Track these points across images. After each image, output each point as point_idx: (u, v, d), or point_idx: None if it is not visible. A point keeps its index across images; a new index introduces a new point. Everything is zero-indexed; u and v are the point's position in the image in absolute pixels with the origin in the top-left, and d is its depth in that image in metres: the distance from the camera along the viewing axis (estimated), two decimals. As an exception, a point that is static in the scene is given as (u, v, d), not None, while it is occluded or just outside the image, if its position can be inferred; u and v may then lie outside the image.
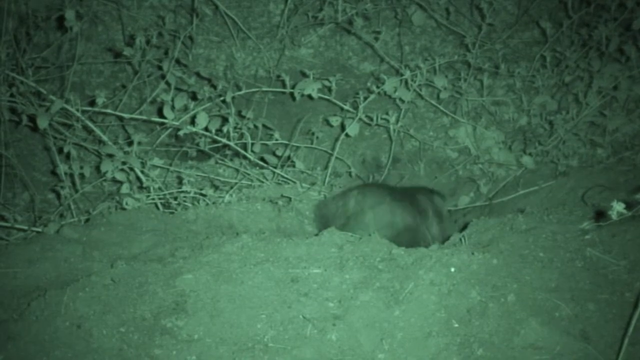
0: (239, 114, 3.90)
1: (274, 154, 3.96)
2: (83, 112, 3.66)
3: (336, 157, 3.99)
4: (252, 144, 3.84)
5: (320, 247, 2.87)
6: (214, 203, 3.64)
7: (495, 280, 2.54)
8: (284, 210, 3.70)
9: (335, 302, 2.52)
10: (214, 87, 3.85)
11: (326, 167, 4.07)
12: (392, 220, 3.45)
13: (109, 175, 3.55)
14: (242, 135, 3.86)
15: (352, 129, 3.84)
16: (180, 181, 3.86)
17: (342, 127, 3.94)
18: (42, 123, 3.44)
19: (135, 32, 4.25)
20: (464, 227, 3.27)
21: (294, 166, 4.00)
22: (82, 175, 3.67)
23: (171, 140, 4.28)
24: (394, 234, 3.36)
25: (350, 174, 4.22)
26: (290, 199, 3.75)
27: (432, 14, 4.59)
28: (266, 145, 3.92)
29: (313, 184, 3.95)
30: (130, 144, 3.67)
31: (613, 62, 4.02)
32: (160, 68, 3.84)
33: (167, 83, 3.73)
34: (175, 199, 3.71)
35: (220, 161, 4.11)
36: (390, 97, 4.01)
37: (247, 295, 2.56)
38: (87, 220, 3.56)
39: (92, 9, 4.52)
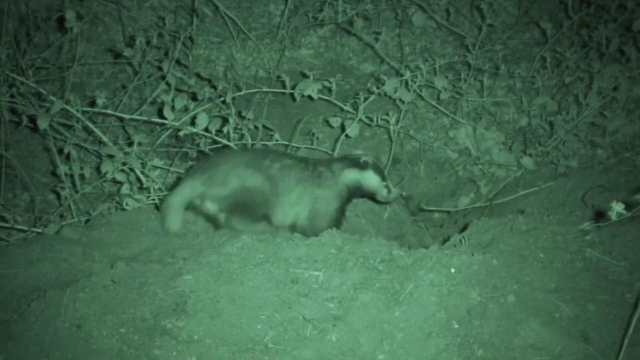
0: (240, 114, 3.90)
1: (274, 154, 3.95)
2: (83, 113, 3.67)
3: (336, 158, 3.99)
4: (253, 145, 3.84)
5: (321, 248, 2.87)
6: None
7: (495, 281, 2.54)
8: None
9: (336, 303, 2.52)
10: (215, 88, 3.86)
11: (326, 168, 4.06)
12: (226, 181, 3.31)
13: (109, 176, 3.55)
14: (242, 136, 3.86)
15: (353, 129, 3.84)
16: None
17: (343, 128, 3.94)
18: (43, 124, 3.44)
19: (135, 33, 4.26)
20: (465, 228, 3.28)
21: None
22: (82, 176, 3.68)
23: (172, 141, 4.28)
24: (228, 193, 3.30)
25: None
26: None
27: (432, 15, 4.59)
28: (267, 146, 3.92)
29: (313, 185, 3.95)
30: (131, 144, 3.67)
31: (613, 63, 4.02)
32: (160, 69, 3.84)
33: (168, 84, 3.73)
34: (176, 199, 3.71)
35: (220, 162, 4.11)
36: (390, 98, 4.02)
37: (248, 296, 2.56)
38: (87, 221, 3.57)
39: (92, 10, 4.53)
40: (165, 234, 3.30)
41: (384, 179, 3.48)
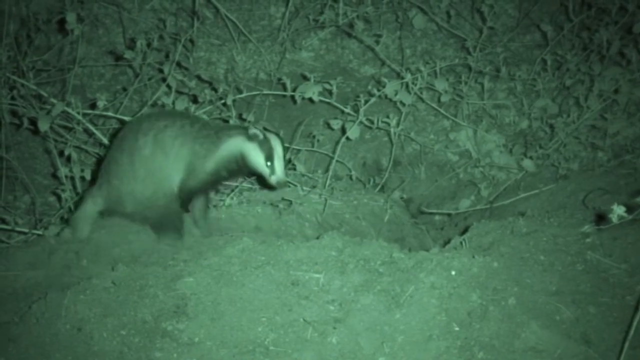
0: (240, 116, 3.91)
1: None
2: (84, 114, 3.67)
3: (337, 160, 3.99)
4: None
5: (321, 250, 2.87)
6: (214, 206, 3.64)
7: (496, 283, 2.54)
8: (284, 213, 3.70)
9: (336, 305, 2.52)
10: (215, 90, 3.86)
11: (327, 170, 4.07)
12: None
13: (109, 178, 3.55)
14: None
15: (353, 132, 3.84)
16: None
17: (343, 130, 3.94)
18: (43, 126, 3.45)
19: (136, 35, 4.26)
20: (465, 231, 3.27)
21: (294, 169, 4.00)
22: (83, 178, 3.68)
23: (172, 143, 4.28)
24: (130, 212, 3.24)
25: (351, 177, 4.22)
26: (290, 202, 3.75)
27: (433, 17, 4.60)
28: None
29: (314, 187, 3.95)
30: (131, 146, 3.66)
31: (614, 66, 4.03)
32: (161, 71, 3.85)
33: (168, 86, 3.74)
34: (176, 201, 3.71)
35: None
36: (391, 100, 4.02)
37: (248, 298, 2.56)
38: (87, 223, 3.56)
39: (93, 11, 4.54)
40: (77, 240, 3.23)
41: (269, 158, 3.23)
